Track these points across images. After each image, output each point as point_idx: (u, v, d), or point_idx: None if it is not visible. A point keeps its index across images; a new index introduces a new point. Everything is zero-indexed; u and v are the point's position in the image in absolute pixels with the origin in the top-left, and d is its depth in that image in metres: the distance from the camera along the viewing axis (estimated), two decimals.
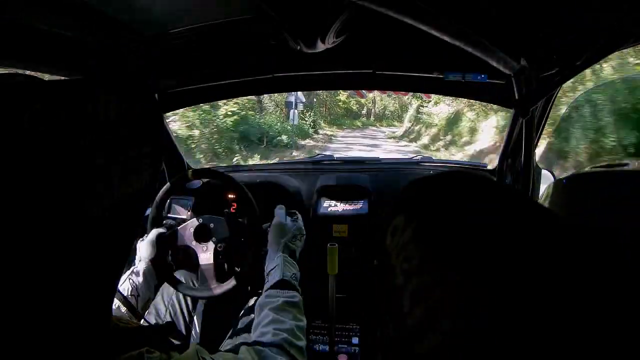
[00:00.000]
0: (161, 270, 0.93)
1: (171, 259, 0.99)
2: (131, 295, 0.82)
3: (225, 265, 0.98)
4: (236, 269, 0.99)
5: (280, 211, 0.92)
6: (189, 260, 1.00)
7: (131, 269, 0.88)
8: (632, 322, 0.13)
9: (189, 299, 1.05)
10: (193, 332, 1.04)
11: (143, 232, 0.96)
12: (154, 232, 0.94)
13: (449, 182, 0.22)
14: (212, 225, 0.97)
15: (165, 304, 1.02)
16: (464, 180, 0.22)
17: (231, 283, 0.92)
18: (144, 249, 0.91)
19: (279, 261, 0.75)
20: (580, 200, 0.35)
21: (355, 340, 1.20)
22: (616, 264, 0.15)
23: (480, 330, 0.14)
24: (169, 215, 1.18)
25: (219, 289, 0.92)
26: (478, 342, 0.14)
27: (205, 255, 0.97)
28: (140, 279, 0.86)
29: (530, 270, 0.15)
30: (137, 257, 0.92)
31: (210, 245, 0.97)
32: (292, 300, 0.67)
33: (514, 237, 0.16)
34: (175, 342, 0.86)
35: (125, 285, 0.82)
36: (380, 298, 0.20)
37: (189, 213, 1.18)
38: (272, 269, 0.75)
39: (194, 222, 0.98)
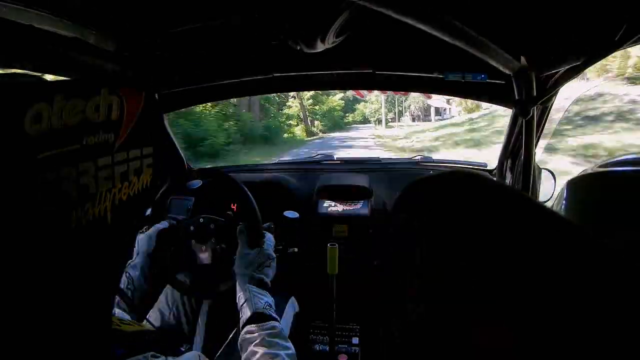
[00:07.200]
0: (159, 265, 0.92)
1: (171, 257, 0.98)
2: (127, 288, 0.82)
3: (224, 267, 0.98)
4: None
5: (243, 238, 0.84)
6: (187, 259, 1.00)
7: (128, 263, 0.87)
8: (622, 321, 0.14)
9: (193, 300, 1.04)
10: (197, 334, 1.04)
11: (142, 226, 0.96)
12: (155, 227, 0.94)
13: (449, 182, 0.23)
14: (212, 226, 0.97)
15: (170, 306, 1.02)
16: (462, 179, 0.23)
17: (229, 283, 0.91)
18: (143, 242, 0.91)
19: (248, 295, 0.73)
20: (584, 201, 0.36)
21: (355, 340, 1.20)
22: (605, 263, 0.16)
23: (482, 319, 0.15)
24: (168, 215, 1.18)
25: (223, 286, 0.92)
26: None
27: (204, 255, 0.96)
28: (137, 272, 0.86)
29: (524, 262, 0.16)
30: (134, 250, 0.91)
31: (210, 245, 0.96)
32: (273, 331, 0.66)
33: (511, 232, 0.18)
34: (180, 345, 0.86)
35: (121, 278, 0.81)
36: (383, 295, 0.21)
37: (189, 213, 1.17)
38: (243, 304, 0.73)
39: (194, 222, 0.98)
